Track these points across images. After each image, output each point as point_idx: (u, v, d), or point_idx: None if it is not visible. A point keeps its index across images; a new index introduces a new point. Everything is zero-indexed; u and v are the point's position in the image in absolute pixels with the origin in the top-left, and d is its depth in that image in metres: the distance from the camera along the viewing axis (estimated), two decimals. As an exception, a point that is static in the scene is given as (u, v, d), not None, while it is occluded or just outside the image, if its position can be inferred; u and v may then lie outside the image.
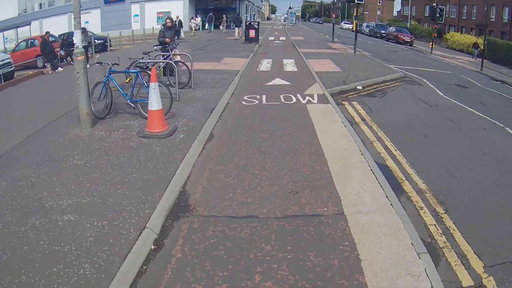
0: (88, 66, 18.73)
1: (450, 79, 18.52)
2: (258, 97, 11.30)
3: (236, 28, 30.85)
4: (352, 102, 11.48)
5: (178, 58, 12.59)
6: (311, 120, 9.07)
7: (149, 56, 12.14)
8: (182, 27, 28.50)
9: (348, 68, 16.72)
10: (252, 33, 26.80)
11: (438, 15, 32.17)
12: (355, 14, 23.44)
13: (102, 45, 25.72)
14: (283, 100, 10.90)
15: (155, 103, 7.73)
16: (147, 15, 42.47)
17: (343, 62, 18.44)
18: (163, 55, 12.41)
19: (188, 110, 9.51)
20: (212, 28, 39.86)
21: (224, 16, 38.18)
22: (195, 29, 34.45)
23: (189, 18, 35.45)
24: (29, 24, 42.42)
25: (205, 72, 14.80)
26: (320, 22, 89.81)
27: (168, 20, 12.77)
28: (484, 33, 47.67)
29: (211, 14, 41.10)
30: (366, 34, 47.64)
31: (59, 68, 18.68)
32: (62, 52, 20.54)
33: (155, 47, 12.68)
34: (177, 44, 13.09)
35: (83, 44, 19.45)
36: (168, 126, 8.05)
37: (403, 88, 14.18)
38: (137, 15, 43.22)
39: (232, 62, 17.58)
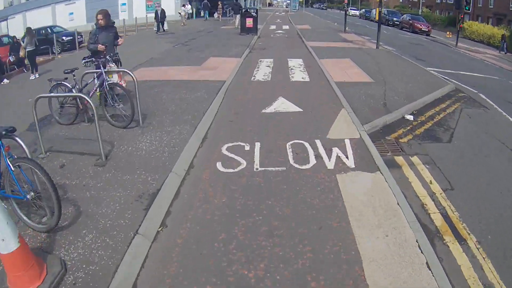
0: (36, 76, 13.49)
1: (506, 91, 13.13)
2: (247, 148, 6.11)
3: (235, 16, 25.33)
4: (411, 158, 6.27)
5: (115, 78, 7.34)
6: (356, 245, 3.89)
7: (74, 76, 7.05)
8: (165, 17, 22.96)
9: (380, 75, 11.41)
10: (249, 22, 21.34)
11: (465, 2, 26.49)
12: (378, -1, 17.95)
13: (72, 43, 20.52)
14: (291, 161, 5.70)
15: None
16: (136, 3, 36.93)
17: (369, 64, 13.09)
18: (96, 73, 7.21)
19: (106, 198, 4.46)
20: (207, 15, 34.24)
21: (219, 2, 32.31)
22: (186, 18, 28.85)
23: (181, 6, 29.80)
24: (6, 19, 37.09)
25: (174, 87, 9.59)
26: (324, 8, 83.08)
27: (99, 16, 7.48)
28: (502, 22, 41.99)
29: (205, 1, 35.38)
30: (376, 22, 41.77)
31: (5, 80, 13.79)
32: (11, 58, 15.62)
33: (84, 61, 7.38)
34: (117, 53, 7.79)
35: (30, 48, 14.15)
36: (44, 274, 3.14)
37: (468, 116, 8.90)
38: (124, 4, 37.62)
39: (218, 66, 12.29)
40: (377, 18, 17.45)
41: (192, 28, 26.29)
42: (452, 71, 14.93)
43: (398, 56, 15.78)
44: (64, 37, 21.07)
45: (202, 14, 35.11)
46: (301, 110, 7.97)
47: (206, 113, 7.64)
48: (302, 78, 10.91)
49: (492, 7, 44.18)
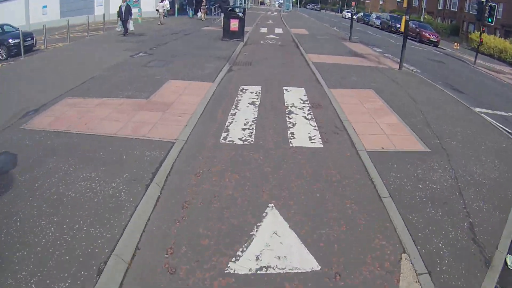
0: None
1: None
2: None
3: (222, 15, 20.42)
4: None
5: None
6: None
7: None
8: (131, 15, 17.83)
9: (431, 131, 6.86)
10: (234, 24, 16.55)
11: (488, 14, 22.08)
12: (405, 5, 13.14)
13: (18, 47, 15.35)
14: None
15: None
16: (113, -3, 31.66)
17: (405, 103, 8.49)
18: None
19: None
20: (192, 13, 29.20)
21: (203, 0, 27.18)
22: (163, 16, 23.83)
23: (159, 1, 24.65)
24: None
25: (81, 158, 4.96)
26: (318, 9, 78.22)
27: None
28: (510, 35, 37.92)
29: (190, -5, 30.36)
30: (376, 27, 37.21)
31: None
32: None
33: None
34: None
35: None
36: None
37: None
38: (100, -3, 32.34)
39: (174, 100, 7.59)
40: (402, 29, 12.79)
41: (169, 28, 21.39)
42: (504, 113, 10.48)
43: (432, 85, 11.18)
44: (10, 40, 15.96)
45: (189, 11, 29.98)
46: (318, 267, 3.33)
47: (100, 280, 2.98)
48: (310, 138, 6.22)
49: (500, 17, 40.03)
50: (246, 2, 51.83)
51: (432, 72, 14.26)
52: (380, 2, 68.88)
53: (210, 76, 9.77)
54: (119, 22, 17.36)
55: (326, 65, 12.30)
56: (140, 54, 12.89)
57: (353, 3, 22.20)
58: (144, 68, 10.52)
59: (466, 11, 43.10)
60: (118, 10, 17.48)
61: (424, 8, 49.18)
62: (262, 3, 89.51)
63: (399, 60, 14.29)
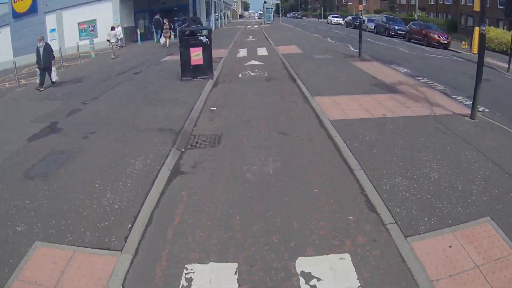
0: None
1: None
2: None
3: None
4: None
5: None
6: None
7: None
8: (54, 58, 11.80)
9: None
10: (196, 55, 11.01)
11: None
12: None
13: None
14: None
15: None
16: (67, 27, 26.07)
17: None
18: None
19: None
20: (159, 36, 23.59)
21: (165, 21, 21.21)
22: (116, 46, 18.21)
23: (110, 29, 18.94)
24: None
25: None
26: (299, 16, 72.89)
27: None
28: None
29: (157, 16, 24.79)
30: (370, 31, 31.85)
31: None
32: None
33: None
34: None
35: None
36: None
37: None
38: (53, 30, 26.68)
39: None
40: (475, 50, 7.48)
41: (121, 62, 15.92)
42: None
43: None
44: None
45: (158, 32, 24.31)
46: None
47: None
48: None
49: (502, 7, 34.99)
50: (224, 17, 46.49)
51: (500, 108, 8.75)
52: (364, 3, 63.98)
53: (126, 212, 4.20)
54: (39, 71, 11.65)
55: (357, 126, 6.81)
56: (45, 131, 7.37)
57: (360, 7, 16.30)
58: (17, 188, 4.96)
59: (463, 4, 38.10)
60: (36, 53, 11.78)
61: (414, 4, 44.21)
62: (241, 16, 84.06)
63: (444, 88, 9.02)
